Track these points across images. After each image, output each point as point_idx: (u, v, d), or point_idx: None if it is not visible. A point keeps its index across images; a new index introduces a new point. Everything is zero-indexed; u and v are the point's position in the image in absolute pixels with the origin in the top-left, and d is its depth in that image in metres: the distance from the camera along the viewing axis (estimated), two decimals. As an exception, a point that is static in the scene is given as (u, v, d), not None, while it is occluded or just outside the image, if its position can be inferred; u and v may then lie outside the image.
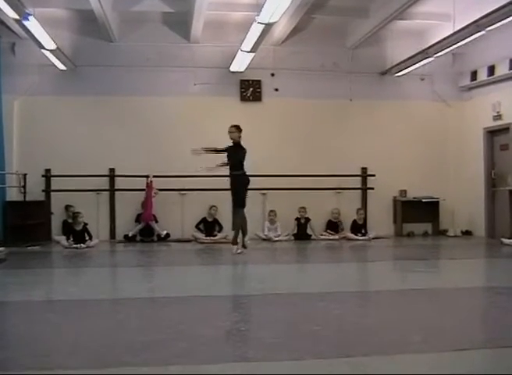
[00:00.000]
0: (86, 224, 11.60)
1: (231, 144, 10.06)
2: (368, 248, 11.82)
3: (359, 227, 12.93)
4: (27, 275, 7.86)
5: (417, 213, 13.51)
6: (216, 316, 5.27)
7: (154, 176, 12.33)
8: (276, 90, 13.26)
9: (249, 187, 10.11)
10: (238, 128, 10.07)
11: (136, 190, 12.45)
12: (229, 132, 10.07)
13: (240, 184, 9.96)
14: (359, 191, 13.58)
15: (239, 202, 9.97)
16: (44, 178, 12.50)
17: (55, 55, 11.24)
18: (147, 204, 12.33)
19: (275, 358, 3.88)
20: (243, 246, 10.08)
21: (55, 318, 5.21)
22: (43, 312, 5.43)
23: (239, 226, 10.04)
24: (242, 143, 10.05)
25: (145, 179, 12.35)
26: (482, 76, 12.73)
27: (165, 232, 12.45)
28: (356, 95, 13.35)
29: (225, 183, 12.70)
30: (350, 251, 11.64)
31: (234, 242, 10.05)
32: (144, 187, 12.34)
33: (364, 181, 13.58)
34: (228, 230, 12.80)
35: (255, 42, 10.57)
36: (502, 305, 5.69)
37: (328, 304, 5.74)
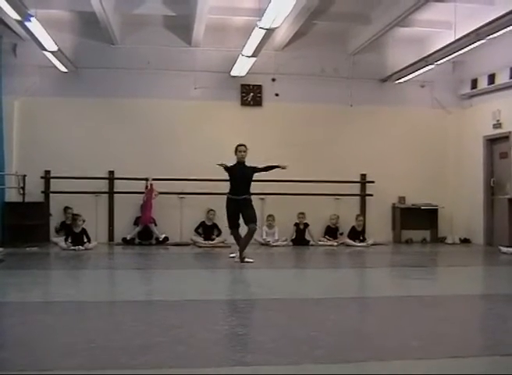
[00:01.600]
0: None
1: (231, 163, 9.59)
2: (366, 254, 11.82)
3: (357, 234, 12.93)
4: (25, 276, 7.84)
5: (416, 220, 13.54)
6: (214, 319, 5.26)
7: (154, 179, 12.34)
8: (277, 95, 13.26)
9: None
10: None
11: (135, 193, 12.45)
12: (243, 151, 9.54)
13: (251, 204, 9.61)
14: (358, 197, 13.60)
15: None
16: (43, 179, 12.50)
17: (56, 57, 11.25)
18: (146, 206, 12.32)
19: (273, 362, 3.87)
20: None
21: (52, 319, 5.19)
22: (40, 314, 5.41)
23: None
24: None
25: (144, 182, 12.35)
26: (483, 84, 12.77)
27: (163, 236, 12.43)
28: (356, 101, 13.37)
29: (222, 186, 12.78)
30: (348, 257, 11.63)
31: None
32: (143, 190, 12.34)
33: (363, 188, 13.59)
34: (226, 235, 12.81)
35: (256, 47, 10.59)
36: (499, 313, 5.68)
37: (326, 309, 5.74)
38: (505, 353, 4.16)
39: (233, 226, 9.78)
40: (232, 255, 9.88)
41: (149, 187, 12.30)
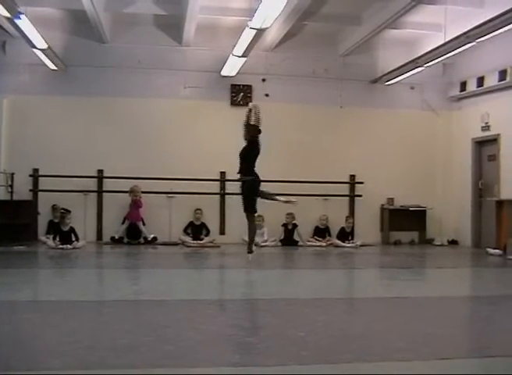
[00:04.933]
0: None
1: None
2: (354, 255, 11.84)
3: (346, 235, 12.96)
4: (13, 275, 7.80)
5: (404, 222, 13.58)
6: (202, 320, 5.25)
7: (142, 179, 12.34)
8: (267, 95, 13.26)
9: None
10: None
11: (124, 192, 12.40)
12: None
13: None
14: (347, 198, 13.62)
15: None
16: (31, 178, 12.43)
17: (46, 55, 11.20)
18: (134, 205, 12.34)
19: (261, 363, 3.88)
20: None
21: (39, 319, 5.17)
22: (28, 313, 5.39)
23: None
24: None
25: (133, 184, 12.36)
26: (472, 86, 12.83)
27: (152, 236, 12.40)
28: (346, 102, 13.41)
29: (212, 186, 12.76)
30: (336, 257, 11.65)
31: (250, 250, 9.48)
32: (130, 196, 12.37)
33: (352, 188, 13.62)
34: (215, 234, 12.80)
35: (247, 47, 10.59)
36: (487, 314, 5.72)
37: (313, 310, 5.74)
38: (492, 355, 4.18)
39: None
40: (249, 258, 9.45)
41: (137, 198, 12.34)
